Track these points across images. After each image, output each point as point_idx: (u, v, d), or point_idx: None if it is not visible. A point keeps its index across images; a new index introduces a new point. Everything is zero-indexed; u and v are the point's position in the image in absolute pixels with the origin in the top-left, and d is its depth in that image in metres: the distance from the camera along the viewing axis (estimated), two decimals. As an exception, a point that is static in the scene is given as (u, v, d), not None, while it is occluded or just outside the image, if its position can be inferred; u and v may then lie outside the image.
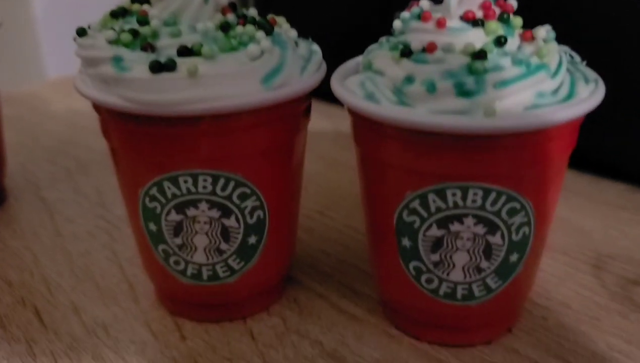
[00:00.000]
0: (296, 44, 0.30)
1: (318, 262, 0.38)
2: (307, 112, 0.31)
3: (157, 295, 0.35)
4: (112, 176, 0.49)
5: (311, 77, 0.29)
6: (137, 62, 0.27)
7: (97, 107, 0.29)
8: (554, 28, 0.28)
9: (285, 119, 0.29)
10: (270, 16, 0.31)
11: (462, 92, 0.25)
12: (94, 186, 0.48)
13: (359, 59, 0.32)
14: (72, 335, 0.32)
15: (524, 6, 0.30)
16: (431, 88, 0.25)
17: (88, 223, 0.43)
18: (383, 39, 0.30)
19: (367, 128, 0.28)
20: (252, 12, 0.31)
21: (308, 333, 0.32)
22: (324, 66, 0.31)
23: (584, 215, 0.42)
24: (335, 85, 0.29)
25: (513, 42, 0.27)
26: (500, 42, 0.26)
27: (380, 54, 0.28)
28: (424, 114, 0.25)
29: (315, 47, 0.31)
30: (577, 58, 0.30)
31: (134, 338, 0.32)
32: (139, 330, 0.33)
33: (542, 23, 0.29)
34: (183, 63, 0.26)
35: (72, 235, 0.41)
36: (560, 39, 0.28)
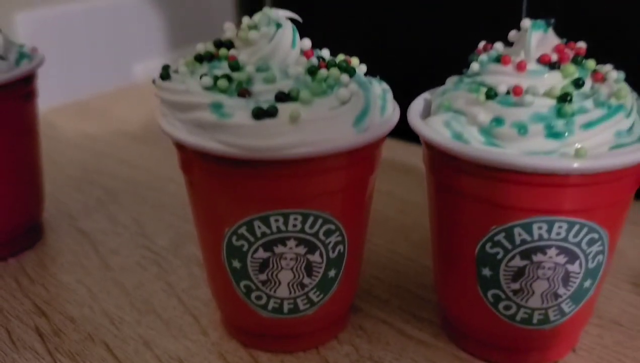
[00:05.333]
0: (370, 83, 0.32)
1: (373, 288, 0.39)
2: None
3: (227, 328, 0.35)
4: (146, 205, 0.50)
5: (392, 116, 0.31)
6: (237, 108, 0.27)
7: (182, 147, 0.30)
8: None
9: (369, 158, 0.31)
10: (343, 56, 0.32)
11: (552, 133, 0.27)
12: (129, 216, 0.48)
13: (425, 96, 0.33)
14: (150, 370, 0.33)
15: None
16: (523, 130, 0.27)
17: (133, 254, 0.43)
18: (454, 79, 0.32)
19: (452, 166, 0.29)
20: (326, 52, 0.32)
21: (382, 360, 0.33)
22: (396, 104, 0.32)
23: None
24: (417, 124, 0.30)
25: (587, 84, 0.29)
26: (578, 84, 0.28)
27: (458, 95, 0.30)
28: (522, 155, 0.27)
29: (385, 85, 0.32)
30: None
31: (213, 371, 0.33)
32: (216, 362, 0.33)
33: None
34: (283, 109, 0.27)
35: (121, 268, 0.42)
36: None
